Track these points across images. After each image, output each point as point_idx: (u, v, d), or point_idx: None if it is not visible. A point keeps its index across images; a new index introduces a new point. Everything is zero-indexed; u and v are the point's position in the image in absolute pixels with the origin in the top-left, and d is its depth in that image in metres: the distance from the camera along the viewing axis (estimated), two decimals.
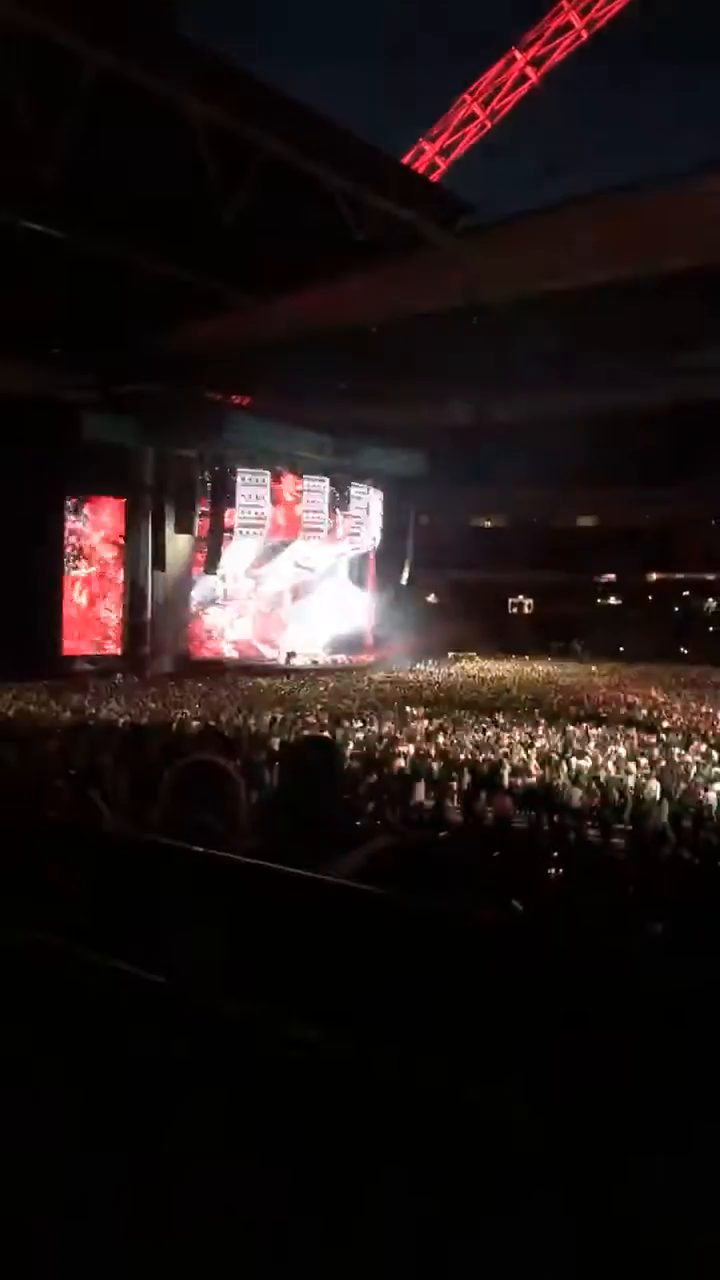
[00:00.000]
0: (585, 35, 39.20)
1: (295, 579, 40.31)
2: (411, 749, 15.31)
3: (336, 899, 1.59)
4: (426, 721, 19.21)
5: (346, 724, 18.36)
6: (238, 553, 36.52)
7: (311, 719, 19.42)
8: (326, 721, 18.90)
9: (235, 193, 20.65)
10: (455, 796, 12.51)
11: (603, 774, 13.51)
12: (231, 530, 35.03)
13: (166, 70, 18.49)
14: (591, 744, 16.40)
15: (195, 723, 17.97)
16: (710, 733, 18.13)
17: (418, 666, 36.19)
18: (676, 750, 15.75)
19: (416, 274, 23.81)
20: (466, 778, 13.21)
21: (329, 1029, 1.15)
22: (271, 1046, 1.14)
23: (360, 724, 18.43)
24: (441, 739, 16.65)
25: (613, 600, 48.56)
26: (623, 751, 15.46)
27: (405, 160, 38.06)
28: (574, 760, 14.40)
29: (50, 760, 12.66)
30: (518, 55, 40.04)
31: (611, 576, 48.29)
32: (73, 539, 32.38)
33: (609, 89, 62.40)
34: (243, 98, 19.68)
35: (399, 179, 25.33)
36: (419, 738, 16.80)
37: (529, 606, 49.00)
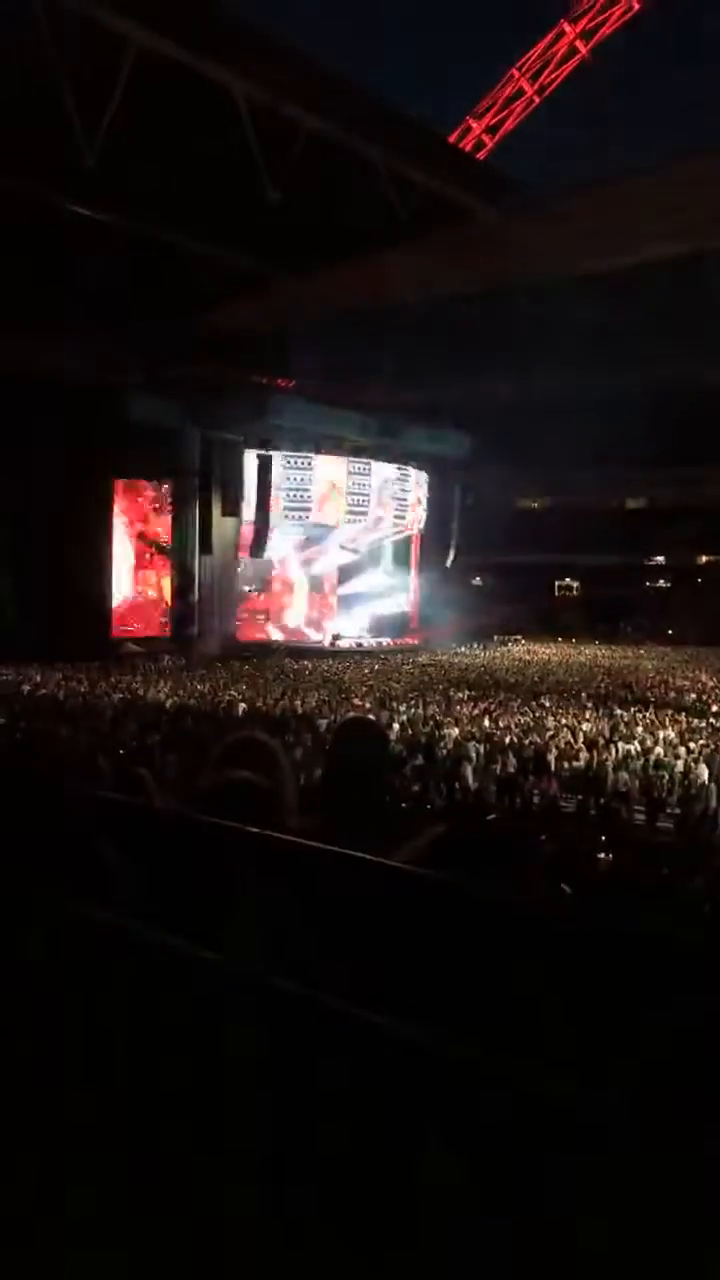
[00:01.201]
0: (638, 5, 38.39)
1: (340, 562, 40.30)
2: (457, 732, 15.22)
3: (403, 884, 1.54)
4: (472, 705, 19.10)
5: (392, 706, 18.31)
6: (283, 535, 36.56)
7: (357, 701, 19.40)
8: (371, 705, 18.86)
9: (279, 171, 20.52)
10: (501, 780, 12.42)
11: (651, 758, 13.34)
12: (277, 513, 35.06)
13: (209, 48, 18.41)
14: (639, 728, 16.19)
15: (242, 704, 18.04)
16: None
17: (462, 649, 36.03)
18: None
19: (463, 251, 23.57)
20: (512, 761, 13.11)
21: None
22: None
23: (405, 707, 18.37)
24: (487, 722, 16.54)
25: (661, 583, 47.90)
26: (671, 735, 15.24)
27: (452, 138, 37.65)
28: (621, 744, 14.23)
29: (99, 739, 12.77)
30: (567, 28, 39.35)
31: (660, 559, 47.62)
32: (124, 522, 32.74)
33: (662, 60, 61.10)
34: (286, 74, 19.55)
35: (445, 156, 25.07)
36: (465, 721, 16.70)
37: (576, 589, 48.51)
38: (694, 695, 21.71)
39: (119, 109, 18.19)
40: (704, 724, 16.89)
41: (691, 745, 14.29)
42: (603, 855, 8.32)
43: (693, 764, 12.86)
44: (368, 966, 1.31)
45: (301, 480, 35.72)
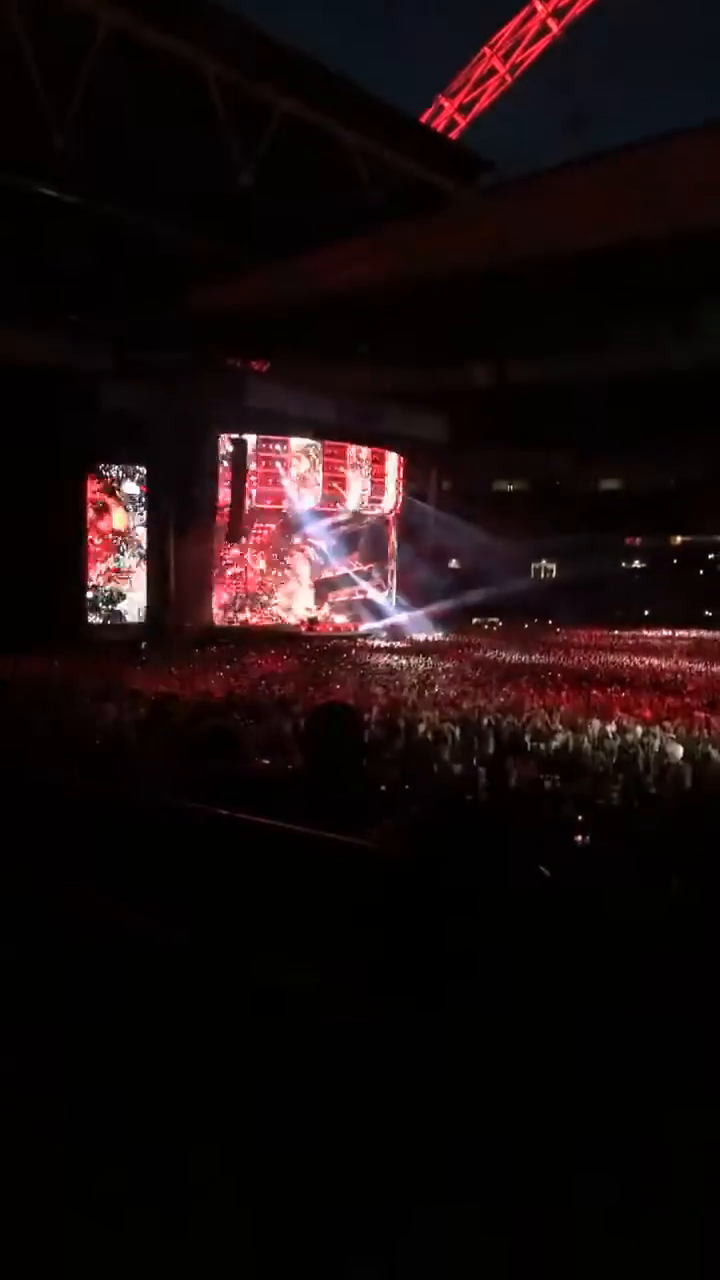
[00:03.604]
0: None
1: (316, 545, 40.21)
2: (435, 714, 15.25)
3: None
4: (450, 687, 19.17)
5: (369, 689, 18.35)
6: (258, 520, 36.43)
7: (336, 686, 19.42)
8: (349, 688, 18.88)
9: (250, 153, 20.37)
10: (478, 761, 12.45)
11: (628, 737, 13.41)
12: (252, 497, 34.93)
13: (179, 28, 18.23)
14: (616, 708, 16.29)
15: (218, 691, 18.00)
16: None
17: (439, 633, 36.10)
18: (700, 713, 15.63)
19: (436, 233, 23.49)
20: (490, 742, 13.15)
21: None
22: None
23: (381, 689, 18.41)
24: (465, 704, 16.59)
25: (637, 564, 48.22)
26: (648, 714, 15.35)
27: (424, 118, 37.47)
28: (596, 723, 14.30)
29: (75, 726, 12.70)
30: (538, 7, 39.17)
31: (637, 540, 47.92)
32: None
33: (635, 37, 60.88)
34: (257, 55, 19.40)
35: (417, 137, 24.95)
36: (442, 703, 16.75)
37: (553, 571, 48.72)
38: (671, 675, 21.91)
39: (88, 90, 17.99)
40: (679, 703, 17.05)
41: (667, 724, 14.41)
42: (580, 836, 8.37)
43: (668, 743, 12.96)
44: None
45: (276, 464, 35.60)
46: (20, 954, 2.12)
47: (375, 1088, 1.47)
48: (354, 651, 28.54)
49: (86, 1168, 1.93)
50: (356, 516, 39.82)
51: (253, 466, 34.70)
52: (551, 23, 39.10)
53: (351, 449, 37.50)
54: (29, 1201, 1.91)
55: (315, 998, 1.44)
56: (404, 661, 25.57)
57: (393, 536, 42.41)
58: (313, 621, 37.67)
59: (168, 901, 1.80)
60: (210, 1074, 1.79)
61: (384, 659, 26.38)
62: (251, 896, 1.61)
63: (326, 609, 39.52)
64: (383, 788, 9.03)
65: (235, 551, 36.85)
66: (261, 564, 38.77)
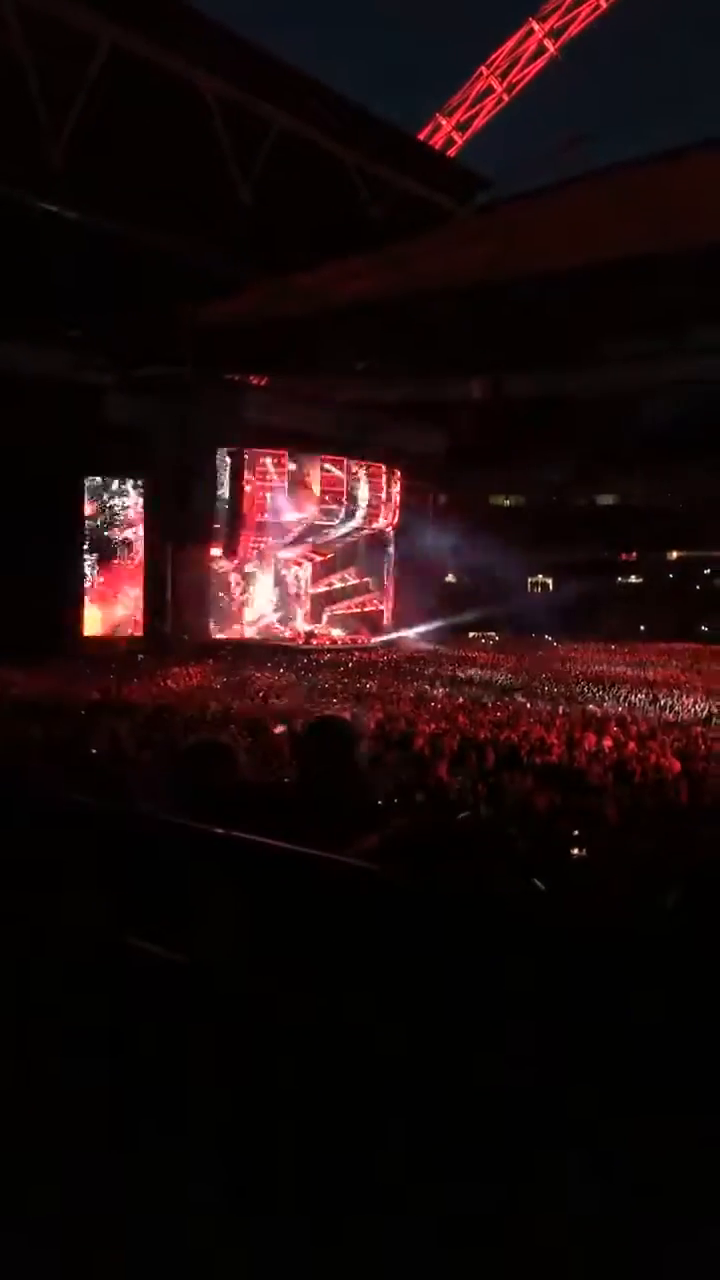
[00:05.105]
0: (605, 5, 38.59)
1: (314, 559, 40.28)
2: (431, 727, 15.27)
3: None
4: (446, 700, 19.19)
5: (364, 702, 18.37)
6: (257, 533, 36.51)
7: (334, 699, 19.44)
8: (344, 701, 18.91)
9: (250, 170, 20.53)
10: (474, 774, 12.46)
11: (624, 751, 13.44)
12: (250, 511, 35.01)
13: (179, 46, 18.40)
14: (612, 721, 16.32)
15: (213, 704, 18.00)
16: None
17: (437, 646, 36.11)
18: (698, 727, 15.68)
19: (434, 250, 23.64)
20: (487, 755, 13.16)
21: None
22: None
23: (378, 703, 18.43)
24: (461, 717, 16.61)
25: (633, 579, 48.30)
26: (644, 729, 15.38)
27: (421, 136, 37.71)
28: (594, 738, 14.33)
29: (72, 739, 12.71)
30: (535, 26, 39.50)
31: (633, 555, 48.02)
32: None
33: (631, 58, 61.47)
34: (256, 73, 19.57)
35: (415, 155, 25.12)
36: (438, 716, 16.77)
37: (549, 586, 48.77)
38: (666, 687, 21.94)
39: (87, 107, 18.14)
40: (676, 717, 17.10)
41: (664, 738, 14.44)
42: (576, 850, 8.39)
43: (663, 758, 12.98)
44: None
45: (275, 478, 35.70)
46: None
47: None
48: (351, 664, 28.56)
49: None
50: (354, 530, 39.90)
51: (251, 480, 34.79)
52: (548, 43, 39.46)
53: (349, 463, 37.61)
54: None
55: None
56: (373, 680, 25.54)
57: (390, 550, 42.47)
58: (310, 634, 37.69)
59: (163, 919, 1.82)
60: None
61: (365, 673, 26.38)
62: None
63: (324, 622, 39.55)
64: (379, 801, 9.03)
65: (233, 564, 36.93)
66: (259, 577, 38.82)
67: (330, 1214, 1.48)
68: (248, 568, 38.12)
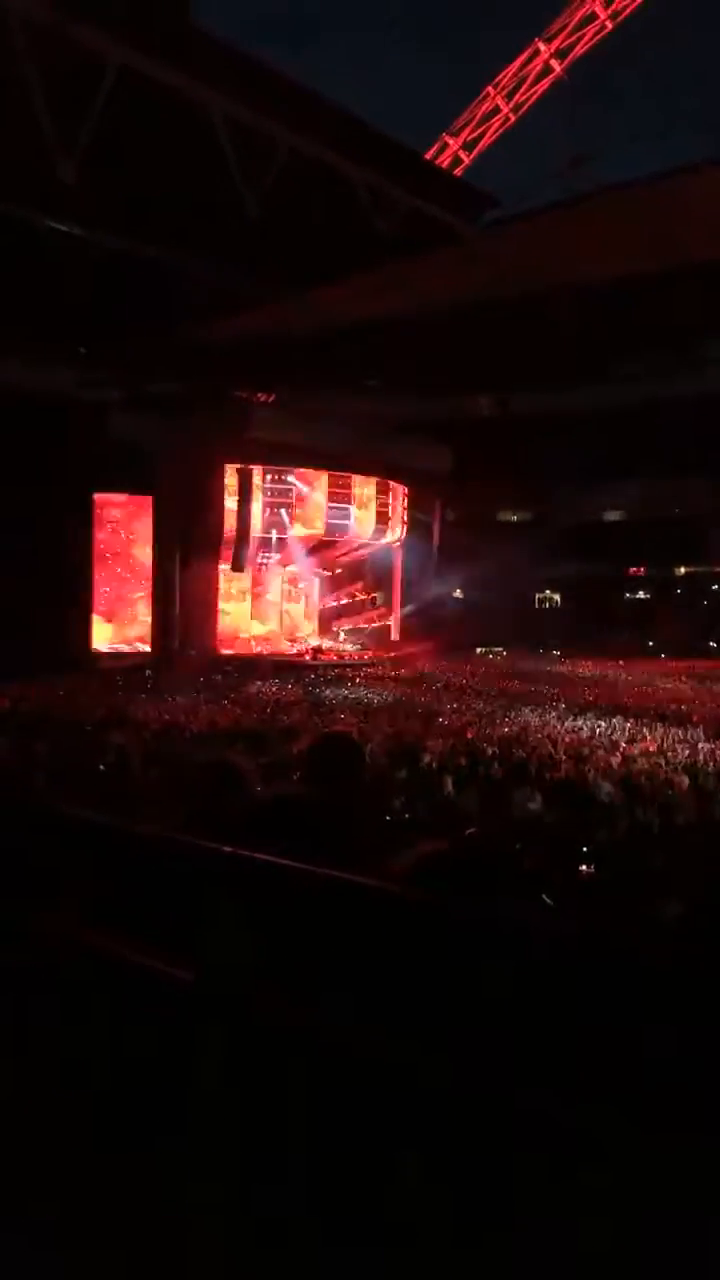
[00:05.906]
0: (610, 25, 38.83)
1: (321, 575, 40.31)
2: (439, 743, 15.22)
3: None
4: (455, 717, 19.14)
5: (373, 718, 18.32)
6: (263, 549, 36.57)
7: (342, 715, 19.40)
8: (352, 718, 18.86)
9: (258, 188, 20.65)
10: (483, 791, 12.41)
11: (633, 767, 13.38)
12: (257, 527, 35.08)
13: (187, 65, 18.54)
14: (621, 737, 16.26)
15: (221, 720, 17.98)
16: None
17: (444, 661, 36.06)
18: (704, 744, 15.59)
19: (442, 268, 23.72)
20: (495, 772, 13.11)
21: None
22: None
23: (387, 717, 18.39)
24: (469, 733, 16.56)
25: (641, 594, 48.20)
26: (652, 746, 15.32)
27: (428, 155, 37.95)
28: (602, 754, 14.28)
29: (80, 755, 12.69)
30: (541, 47, 39.78)
31: (640, 570, 47.93)
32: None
33: (636, 78, 61.81)
34: (264, 92, 19.72)
35: (422, 173, 25.25)
36: (447, 733, 16.72)
37: (557, 601, 48.72)
38: (675, 704, 21.85)
39: (97, 126, 18.27)
40: (685, 733, 17.00)
41: (672, 755, 14.38)
42: (584, 866, 8.32)
43: (673, 774, 12.92)
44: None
45: (281, 494, 35.78)
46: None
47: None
48: (358, 681, 28.53)
49: None
50: (362, 546, 39.94)
51: (258, 496, 34.87)
52: (555, 63, 39.72)
53: (357, 479, 37.68)
54: None
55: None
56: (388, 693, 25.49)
57: (398, 566, 42.48)
58: (318, 650, 37.67)
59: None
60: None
61: (374, 688, 26.33)
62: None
63: (334, 637, 39.55)
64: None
65: (240, 580, 36.99)
66: (267, 593, 38.87)
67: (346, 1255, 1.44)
68: (254, 583, 38.17)
